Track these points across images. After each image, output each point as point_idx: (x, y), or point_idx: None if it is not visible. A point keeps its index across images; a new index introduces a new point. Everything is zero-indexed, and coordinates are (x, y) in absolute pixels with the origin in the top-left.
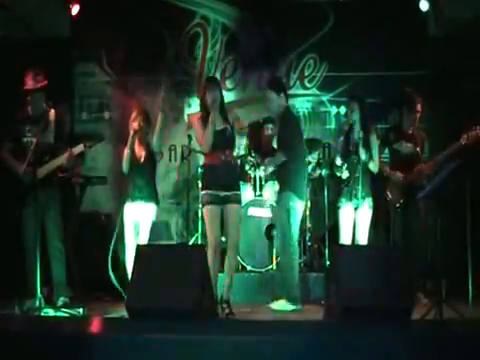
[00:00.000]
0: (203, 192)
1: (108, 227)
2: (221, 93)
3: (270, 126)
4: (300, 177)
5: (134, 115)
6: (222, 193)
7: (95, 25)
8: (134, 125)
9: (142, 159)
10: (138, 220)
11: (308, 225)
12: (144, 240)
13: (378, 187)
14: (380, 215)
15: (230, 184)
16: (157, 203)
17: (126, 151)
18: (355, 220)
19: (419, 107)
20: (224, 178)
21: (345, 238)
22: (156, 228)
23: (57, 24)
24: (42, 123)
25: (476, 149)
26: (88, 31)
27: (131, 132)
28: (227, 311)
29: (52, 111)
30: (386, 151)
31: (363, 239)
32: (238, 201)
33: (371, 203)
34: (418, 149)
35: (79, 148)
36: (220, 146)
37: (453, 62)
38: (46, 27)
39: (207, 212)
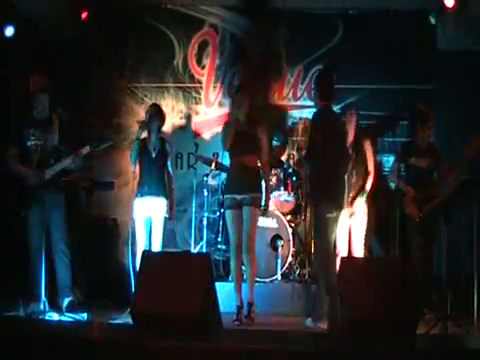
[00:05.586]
0: (224, 196)
1: (115, 232)
2: (250, 100)
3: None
4: None
5: (147, 109)
6: (238, 196)
7: (105, 30)
8: (146, 116)
9: (153, 154)
10: (149, 216)
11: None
12: (158, 236)
13: (391, 200)
14: (391, 228)
15: (246, 187)
16: (167, 197)
17: (134, 142)
18: (350, 228)
19: (431, 121)
20: (240, 182)
21: (341, 246)
22: None
23: (67, 28)
24: (47, 126)
25: None
26: (98, 36)
27: (141, 124)
28: (246, 314)
29: (56, 113)
30: (402, 167)
31: (358, 246)
32: (253, 203)
33: (365, 210)
34: (434, 163)
35: (85, 150)
36: (238, 151)
37: (461, 76)
38: (56, 30)
39: (227, 216)
